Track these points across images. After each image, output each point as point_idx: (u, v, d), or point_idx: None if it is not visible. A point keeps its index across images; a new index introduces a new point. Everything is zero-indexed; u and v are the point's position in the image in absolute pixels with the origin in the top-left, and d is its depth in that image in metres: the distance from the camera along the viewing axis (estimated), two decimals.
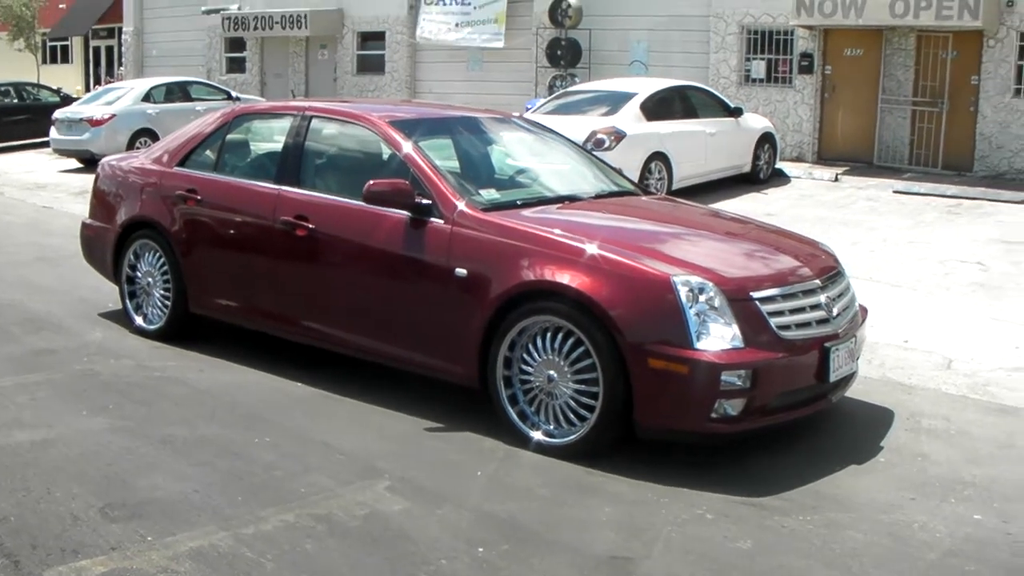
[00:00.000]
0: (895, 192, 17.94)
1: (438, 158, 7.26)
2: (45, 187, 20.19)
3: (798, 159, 21.47)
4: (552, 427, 6.24)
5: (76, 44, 45.11)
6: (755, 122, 19.21)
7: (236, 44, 32.66)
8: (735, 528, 5.27)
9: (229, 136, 8.50)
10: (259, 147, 8.58)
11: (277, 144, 8.05)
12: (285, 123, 8.02)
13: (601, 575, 4.76)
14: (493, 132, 8.33)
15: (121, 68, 37.46)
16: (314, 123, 7.84)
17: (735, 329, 5.86)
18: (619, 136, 15.66)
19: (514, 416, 6.35)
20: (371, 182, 6.84)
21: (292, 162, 7.75)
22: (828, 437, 6.61)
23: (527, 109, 18.46)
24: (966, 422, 7.01)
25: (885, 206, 16.83)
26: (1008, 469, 6.18)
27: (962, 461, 6.27)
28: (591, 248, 6.17)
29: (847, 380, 6.65)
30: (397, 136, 7.31)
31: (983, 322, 9.77)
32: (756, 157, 18.86)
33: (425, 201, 6.80)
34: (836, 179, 19.40)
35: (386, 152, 7.43)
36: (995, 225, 15.02)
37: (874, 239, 14.03)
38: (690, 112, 17.86)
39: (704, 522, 5.34)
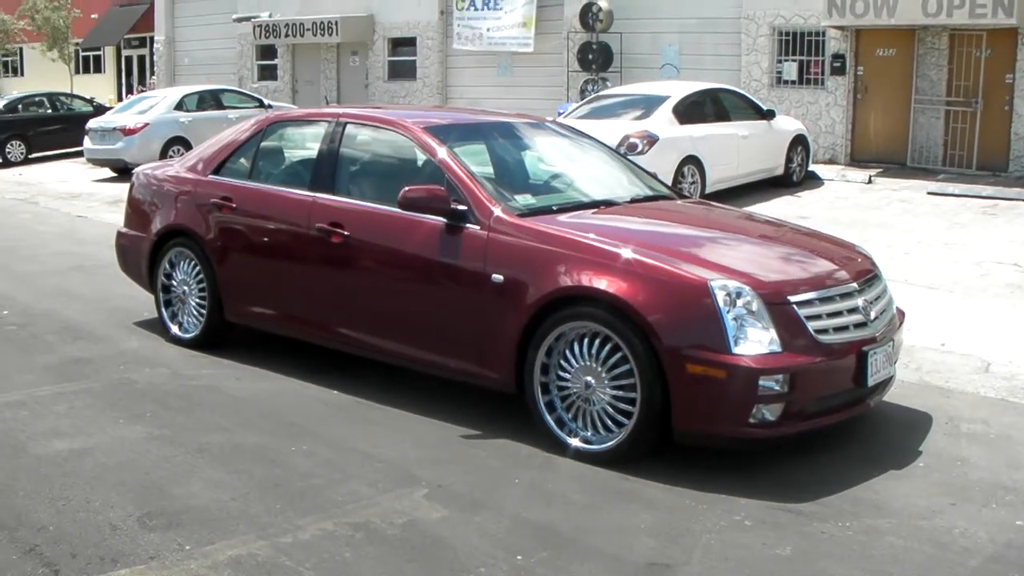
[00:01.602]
0: (929, 193, 17.82)
1: (473, 164, 7.26)
2: (79, 196, 20.33)
3: (831, 161, 21.36)
4: (590, 433, 6.21)
5: (108, 54, 45.45)
6: (787, 124, 19.13)
7: (267, 51, 32.78)
8: (774, 534, 5.24)
9: (263, 143, 8.51)
10: (293, 154, 8.59)
11: (311, 151, 8.06)
12: (319, 130, 8.03)
13: None
14: (527, 137, 8.31)
15: (153, 77, 37.68)
16: (348, 129, 7.84)
17: (773, 333, 5.83)
18: (652, 140, 15.63)
19: (551, 423, 6.34)
20: (406, 188, 6.84)
21: (326, 169, 7.77)
22: (866, 442, 6.57)
23: (559, 114, 18.43)
24: (1006, 426, 6.95)
25: (920, 208, 16.72)
26: None
27: (1003, 466, 6.21)
28: (628, 253, 6.15)
29: (885, 384, 6.60)
30: (432, 142, 7.31)
31: (1021, 324, 9.68)
32: (789, 160, 18.78)
33: (461, 207, 6.79)
34: (869, 181, 19.28)
35: (421, 158, 7.43)
36: None
37: (909, 241, 13.94)
38: (722, 115, 17.82)
39: (743, 528, 5.31)
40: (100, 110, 28.46)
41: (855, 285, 6.38)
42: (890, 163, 20.76)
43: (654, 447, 6.06)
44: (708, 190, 16.27)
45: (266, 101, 25.68)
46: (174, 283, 8.68)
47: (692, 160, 16.15)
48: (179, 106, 23.78)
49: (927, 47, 20.42)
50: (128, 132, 22.62)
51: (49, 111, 29.23)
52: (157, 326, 8.92)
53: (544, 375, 6.36)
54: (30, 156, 27.50)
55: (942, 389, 7.74)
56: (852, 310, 6.24)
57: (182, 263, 8.60)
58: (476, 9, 26.93)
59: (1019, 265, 12.26)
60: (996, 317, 9.96)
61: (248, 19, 31.96)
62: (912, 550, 5.08)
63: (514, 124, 8.39)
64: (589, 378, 6.15)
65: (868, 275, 6.66)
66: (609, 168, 8.22)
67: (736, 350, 5.75)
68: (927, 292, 10.96)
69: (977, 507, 5.60)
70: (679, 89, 17.62)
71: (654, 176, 8.55)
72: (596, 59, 24.36)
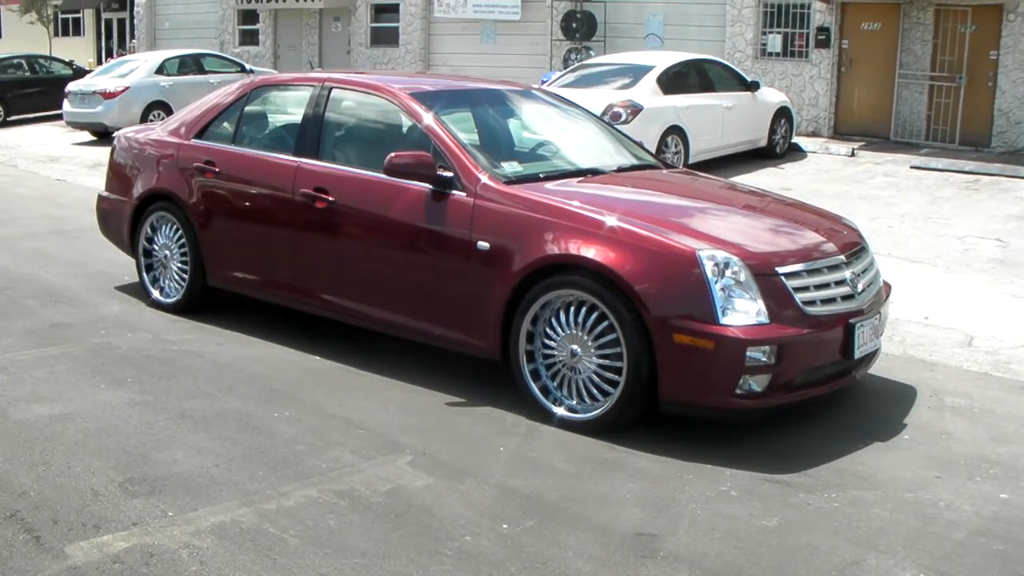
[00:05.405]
0: (912, 168, 17.84)
1: (459, 131, 7.19)
2: (59, 160, 20.15)
3: (814, 134, 21.36)
4: (575, 402, 6.19)
5: (88, 17, 45.02)
6: (771, 96, 19.10)
7: (249, 16, 32.57)
8: (760, 505, 5.23)
9: (248, 108, 8.43)
10: (278, 119, 8.51)
11: (296, 116, 7.99)
12: (304, 94, 7.95)
13: (627, 552, 4.72)
14: (514, 104, 8.25)
15: (133, 41, 37.37)
16: (334, 94, 7.77)
17: (760, 304, 5.80)
18: (636, 110, 15.58)
19: (536, 391, 6.31)
20: (393, 154, 6.78)
21: (311, 134, 7.69)
22: (852, 414, 6.56)
23: (542, 82, 18.38)
24: (989, 400, 6.95)
25: (903, 181, 16.74)
26: None
27: (987, 439, 6.21)
28: (615, 222, 6.11)
29: (871, 357, 6.60)
30: (418, 108, 7.24)
31: (1003, 299, 9.70)
32: (772, 131, 18.77)
33: (447, 173, 6.73)
34: (853, 154, 19.30)
35: (407, 124, 7.37)
36: (1014, 201, 14.93)
37: (892, 215, 13.95)
38: (707, 86, 17.77)
39: (729, 499, 5.30)
40: (79, 73, 28.24)
41: (842, 257, 6.36)
42: (873, 137, 20.78)
43: (640, 417, 6.04)
44: (691, 160, 16.24)
45: (247, 66, 25.50)
46: (156, 247, 8.60)
47: (676, 130, 16.12)
48: (160, 70, 23.60)
49: (912, 21, 20.39)
50: (108, 96, 22.44)
51: (28, 74, 28.95)
52: (138, 291, 8.85)
53: (529, 343, 6.33)
54: (8, 119, 27.24)
55: (926, 362, 7.74)
56: (839, 282, 6.22)
57: (164, 227, 8.52)
58: None
59: (1001, 240, 12.29)
60: (978, 292, 9.97)
61: None
62: (898, 522, 5.08)
63: (501, 91, 8.33)
64: (575, 347, 6.12)
65: (855, 247, 6.64)
66: (596, 137, 8.16)
67: (724, 320, 5.72)
68: (910, 265, 10.97)
69: (962, 480, 5.60)
70: (663, 59, 17.56)
71: (640, 145, 8.51)
72: (580, 28, 24.27)
